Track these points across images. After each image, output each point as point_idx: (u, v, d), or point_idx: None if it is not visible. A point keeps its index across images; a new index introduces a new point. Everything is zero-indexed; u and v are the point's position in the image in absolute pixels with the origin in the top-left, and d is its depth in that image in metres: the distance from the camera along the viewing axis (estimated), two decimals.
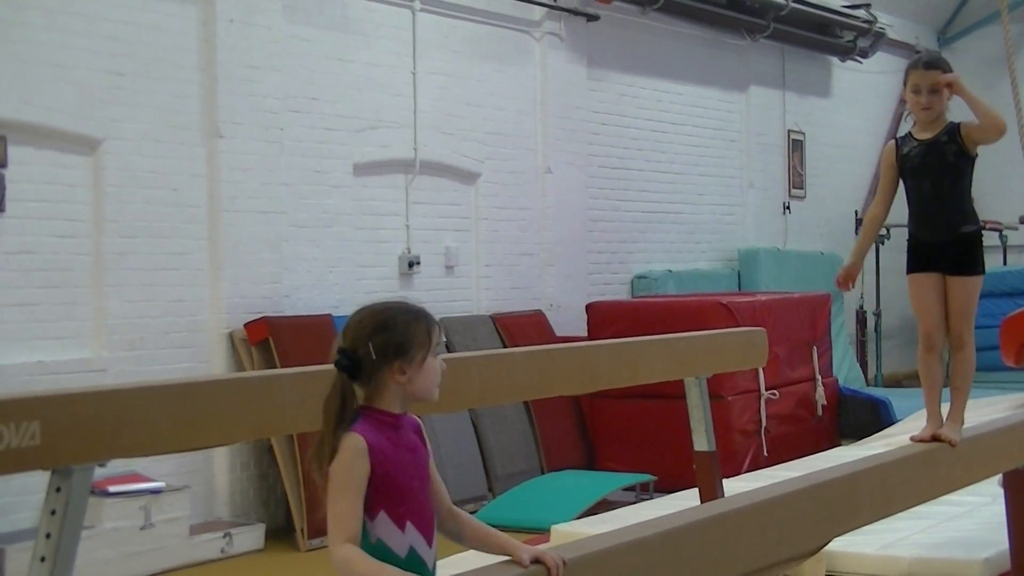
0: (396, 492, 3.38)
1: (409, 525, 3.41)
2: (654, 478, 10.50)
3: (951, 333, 5.83)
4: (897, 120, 18.29)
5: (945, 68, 5.87)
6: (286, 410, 4.42)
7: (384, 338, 3.41)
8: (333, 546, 3.29)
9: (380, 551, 3.34)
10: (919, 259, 5.98)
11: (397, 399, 3.45)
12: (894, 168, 5.97)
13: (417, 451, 3.48)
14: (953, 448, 5.50)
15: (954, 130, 5.84)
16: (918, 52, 18.48)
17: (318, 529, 9.27)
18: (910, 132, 6.00)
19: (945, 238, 5.85)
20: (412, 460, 3.45)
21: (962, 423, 5.78)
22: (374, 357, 3.39)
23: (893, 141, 6.04)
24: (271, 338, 9.45)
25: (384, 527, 3.37)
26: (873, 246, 16.84)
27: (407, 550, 3.40)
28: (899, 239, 17.26)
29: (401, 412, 3.46)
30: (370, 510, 3.35)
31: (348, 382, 3.40)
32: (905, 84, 5.96)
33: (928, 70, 5.88)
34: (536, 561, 3.47)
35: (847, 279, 6.09)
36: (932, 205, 5.90)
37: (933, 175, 5.85)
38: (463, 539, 3.60)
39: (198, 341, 9.46)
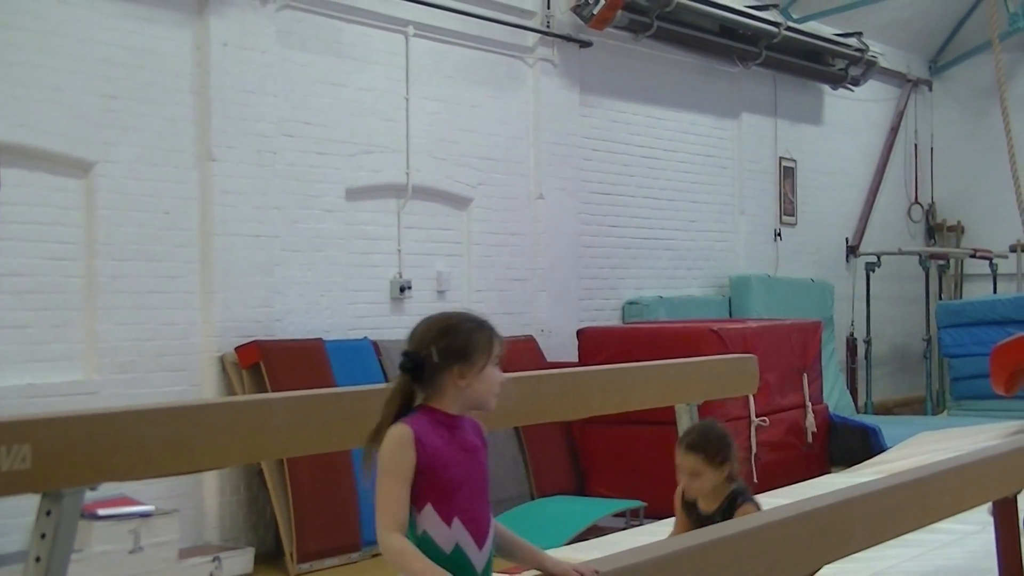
0: (444, 487, 3.49)
1: (456, 522, 3.50)
2: (644, 504, 10.49)
3: None
4: (888, 149, 18.35)
5: (709, 453, 5.20)
6: (277, 434, 4.42)
7: (447, 342, 3.61)
8: (382, 532, 3.41)
9: (425, 543, 3.47)
10: None
11: (456, 402, 3.59)
12: (683, 516, 5.41)
13: (475, 452, 3.61)
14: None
15: (730, 512, 5.19)
16: (910, 80, 18.59)
17: (307, 553, 9.27)
18: None
19: None
20: (468, 460, 3.57)
21: None
22: (436, 360, 3.57)
23: (680, 491, 5.38)
24: (262, 362, 9.44)
25: (430, 520, 3.48)
26: (864, 273, 16.93)
27: (452, 546, 3.49)
28: (889, 267, 17.37)
29: (459, 414, 3.60)
30: (417, 501, 3.48)
31: (409, 382, 3.57)
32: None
33: (690, 452, 5.25)
34: None
35: None
36: None
37: None
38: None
39: (189, 364, 9.45)
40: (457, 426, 3.59)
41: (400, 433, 3.47)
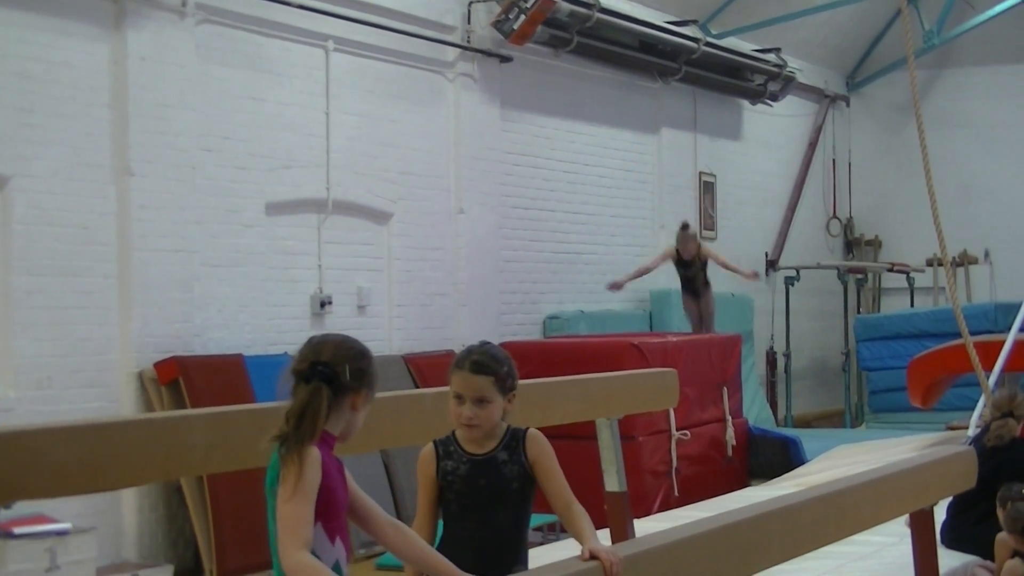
0: (332, 507, 3.53)
1: (338, 540, 3.57)
2: (557, 519, 10.48)
3: None
4: (807, 164, 18.50)
5: (499, 373, 4.16)
6: (196, 451, 4.39)
7: (360, 365, 3.59)
8: (292, 550, 3.38)
9: None
10: None
11: (339, 426, 3.59)
12: (434, 485, 4.19)
13: (341, 472, 3.62)
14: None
15: (518, 444, 4.23)
16: (828, 95, 18.76)
17: (227, 570, 9.20)
18: (455, 435, 4.24)
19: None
20: (341, 480, 3.60)
21: None
22: (347, 379, 3.54)
23: (431, 446, 4.23)
24: (181, 378, 9.37)
25: (318, 538, 3.48)
26: (783, 287, 17.06)
27: (333, 562, 3.54)
28: (808, 281, 17.50)
29: (336, 437, 3.60)
30: None
31: (331, 395, 3.52)
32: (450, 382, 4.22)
33: (476, 374, 4.14)
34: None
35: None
36: (481, 540, 4.15)
37: (483, 507, 4.16)
38: (406, 555, 3.78)
39: (107, 381, 9.35)
40: (332, 447, 3.59)
41: (315, 457, 3.45)
